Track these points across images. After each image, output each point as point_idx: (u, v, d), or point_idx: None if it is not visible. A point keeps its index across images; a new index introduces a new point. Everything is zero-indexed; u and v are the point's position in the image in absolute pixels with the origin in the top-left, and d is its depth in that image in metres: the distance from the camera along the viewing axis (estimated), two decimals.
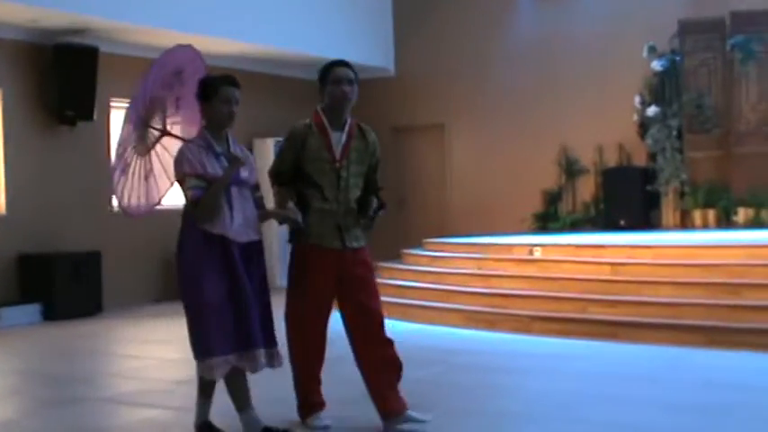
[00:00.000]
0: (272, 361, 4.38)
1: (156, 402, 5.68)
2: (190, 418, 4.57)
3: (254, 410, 4.37)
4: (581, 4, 13.21)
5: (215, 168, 4.27)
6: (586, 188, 12.89)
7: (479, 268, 9.52)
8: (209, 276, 4.19)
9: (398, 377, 4.66)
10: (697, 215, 11.52)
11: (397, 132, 14.23)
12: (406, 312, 8.94)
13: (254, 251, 4.37)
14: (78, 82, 10.57)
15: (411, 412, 4.58)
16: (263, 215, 4.53)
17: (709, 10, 11.79)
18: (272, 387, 4.91)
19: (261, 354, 4.25)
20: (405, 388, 4.67)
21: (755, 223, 10.98)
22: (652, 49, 11.95)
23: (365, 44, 13.60)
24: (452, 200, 14.13)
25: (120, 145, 4.53)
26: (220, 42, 11.45)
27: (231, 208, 4.28)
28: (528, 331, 8.00)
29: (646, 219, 11.85)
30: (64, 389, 6.23)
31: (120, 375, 6.90)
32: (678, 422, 4.79)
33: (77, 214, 10.90)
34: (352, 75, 4.65)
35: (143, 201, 4.42)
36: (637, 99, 12.08)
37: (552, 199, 13.06)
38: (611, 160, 12.66)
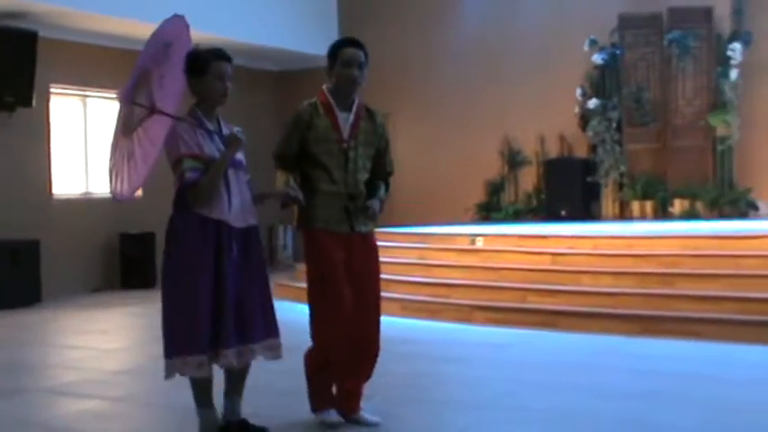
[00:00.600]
0: (275, 352, 4.19)
1: (95, 393, 5.63)
2: (128, 409, 4.55)
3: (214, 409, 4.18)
4: None
5: (211, 149, 4.03)
6: (528, 179, 13.05)
7: (421, 258, 9.60)
8: (203, 268, 3.94)
9: (367, 380, 4.63)
10: (635, 206, 11.78)
11: None
12: None
13: (252, 236, 4.16)
14: (17, 67, 10.36)
15: (364, 414, 4.56)
16: (259, 197, 4.29)
17: (648, 5, 12.01)
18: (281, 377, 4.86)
19: (231, 353, 3.99)
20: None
21: (690, 214, 11.26)
22: (593, 43, 12.13)
23: (310, 33, 13.56)
24: (396, 189, 14.01)
25: (115, 126, 4.20)
26: None
27: (229, 191, 4.04)
28: (469, 320, 8.10)
29: (586, 209, 12.05)
30: (1, 379, 6.14)
31: (58, 366, 6.82)
32: (614, 408, 4.91)
33: (16, 202, 10.72)
34: (363, 57, 4.42)
35: (125, 185, 4.02)
36: (578, 91, 12.26)
37: (495, 189, 13.19)
38: (553, 151, 12.83)
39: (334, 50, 4.43)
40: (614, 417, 4.76)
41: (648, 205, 11.69)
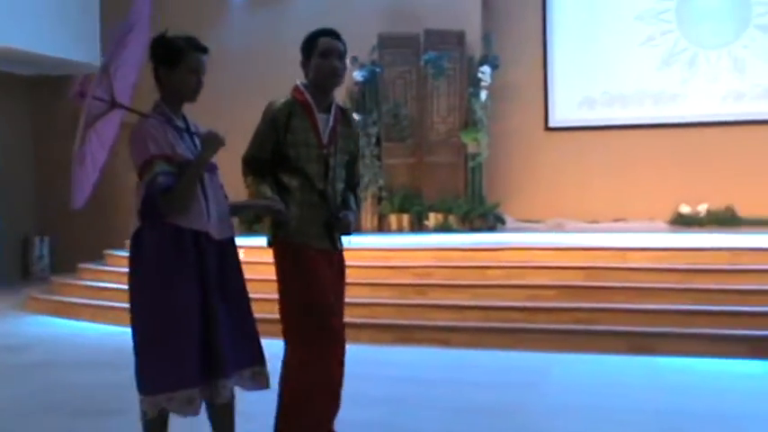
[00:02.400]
0: (260, 381, 3.72)
1: None
2: None
3: None
4: (289, 12, 13.52)
5: (183, 149, 3.46)
6: None
7: None
8: (181, 287, 3.37)
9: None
10: (393, 219, 12.24)
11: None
12: (107, 315, 8.72)
13: (230, 249, 3.65)
14: None
15: None
16: (236, 207, 3.80)
17: (406, 26, 12.53)
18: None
19: (228, 384, 3.52)
20: (115, 391, 4.60)
21: (444, 228, 11.86)
22: (354, 60, 12.49)
23: (69, 37, 13.05)
24: None
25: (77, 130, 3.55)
26: None
27: (206, 198, 3.49)
28: None
29: None
30: None
31: None
32: (361, 415, 5.10)
33: None
34: (342, 47, 4.02)
35: (78, 193, 3.43)
36: None
37: None
38: None
39: (311, 41, 4.04)
40: (359, 423, 4.95)
41: (405, 218, 12.19)
